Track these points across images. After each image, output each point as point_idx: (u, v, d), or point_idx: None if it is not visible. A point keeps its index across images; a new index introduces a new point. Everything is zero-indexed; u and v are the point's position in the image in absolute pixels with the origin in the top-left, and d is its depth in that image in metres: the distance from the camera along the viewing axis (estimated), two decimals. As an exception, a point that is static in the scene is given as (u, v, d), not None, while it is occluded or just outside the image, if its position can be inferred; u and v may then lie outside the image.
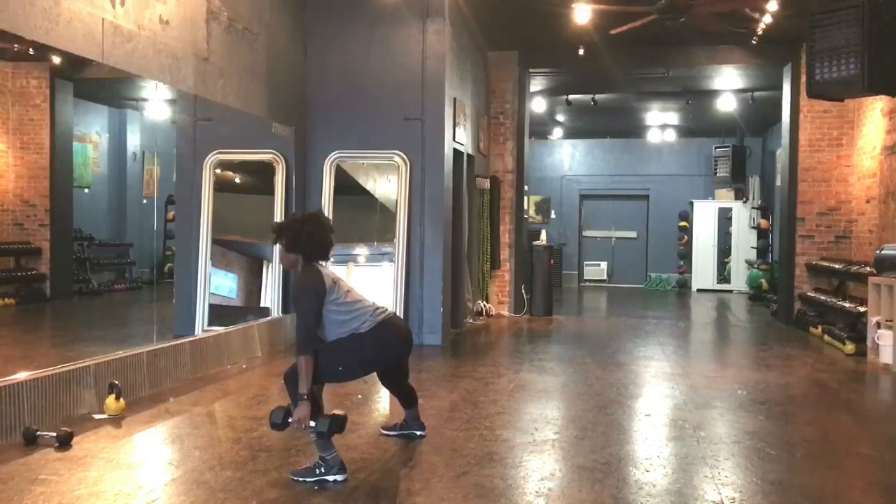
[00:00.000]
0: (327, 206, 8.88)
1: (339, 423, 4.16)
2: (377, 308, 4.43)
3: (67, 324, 10.53)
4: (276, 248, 4.23)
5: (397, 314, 4.45)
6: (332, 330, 4.29)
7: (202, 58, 6.83)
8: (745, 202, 17.27)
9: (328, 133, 8.96)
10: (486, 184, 11.34)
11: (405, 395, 4.92)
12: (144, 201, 13.04)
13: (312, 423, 4.08)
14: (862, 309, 8.74)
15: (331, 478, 4.11)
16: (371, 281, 8.67)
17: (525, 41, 11.43)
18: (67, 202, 11.56)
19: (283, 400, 6.03)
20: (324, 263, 4.37)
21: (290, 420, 4.15)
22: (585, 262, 19.05)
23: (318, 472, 4.13)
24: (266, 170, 8.79)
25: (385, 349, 4.45)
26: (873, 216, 9.68)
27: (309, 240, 4.25)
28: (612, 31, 8.53)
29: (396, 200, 8.84)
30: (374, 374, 4.76)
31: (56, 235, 11.19)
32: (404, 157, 8.82)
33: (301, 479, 4.11)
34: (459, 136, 9.60)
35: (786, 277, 11.44)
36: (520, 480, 4.23)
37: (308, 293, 4.21)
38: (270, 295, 8.64)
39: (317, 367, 4.16)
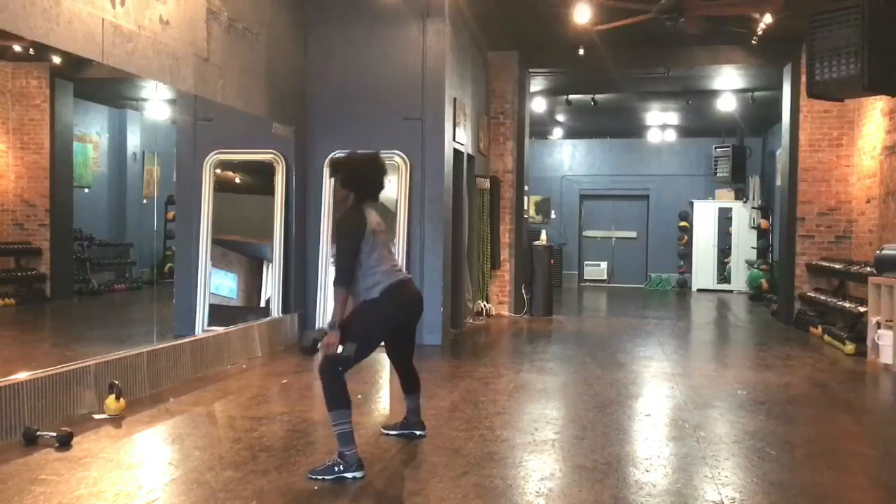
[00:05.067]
0: (327, 206, 8.88)
1: (365, 350, 4.33)
2: (394, 268, 4.47)
3: (67, 324, 10.52)
4: (332, 181, 4.48)
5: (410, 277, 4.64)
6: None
7: (202, 58, 6.83)
8: (745, 202, 17.27)
9: (328, 133, 8.96)
10: (486, 184, 11.34)
11: (409, 377, 4.89)
12: (144, 201, 13.01)
13: (340, 349, 4.15)
14: (862, 309, 8.74)
15: (349, 475, 4.11)
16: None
17: (525, 41, 11.43)
18: (67, 202, 11.54)
19: (282, 400, 6.06)
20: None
21: (318, 346, 4.21)
22: (585, 262, 19.05)
23: (336, 469, 4.12)
24: (266, 170, 8.79)
25: (396, 308, 4.44)
26: (873, 216, 9.68)
27: (363, 179, 4.43)
28: (601, 27, 8.47)
29: (396, 200, 8.84)
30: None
31: (56, 235, 11.17)
32: (404, 157, 8.82)
33: (320, 478, 4.09)
34: (459, 136, 9.60)
35: (786, 277, 11.44)
36: (520, 480, 4.23)
37: (348, 231, 4.31)
38: (271, 295, 8.66)
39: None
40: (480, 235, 11.16)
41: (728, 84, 13.25)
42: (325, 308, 8.80)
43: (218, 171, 8.80)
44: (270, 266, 8.74)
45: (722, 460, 4.60)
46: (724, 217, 17.49)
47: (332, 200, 4.64)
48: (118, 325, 9.90)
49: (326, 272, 8.85)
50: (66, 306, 11.21)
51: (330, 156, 4.57)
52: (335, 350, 4.14)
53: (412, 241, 8.82)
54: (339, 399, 4.19)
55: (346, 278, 4.24)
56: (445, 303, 8.97)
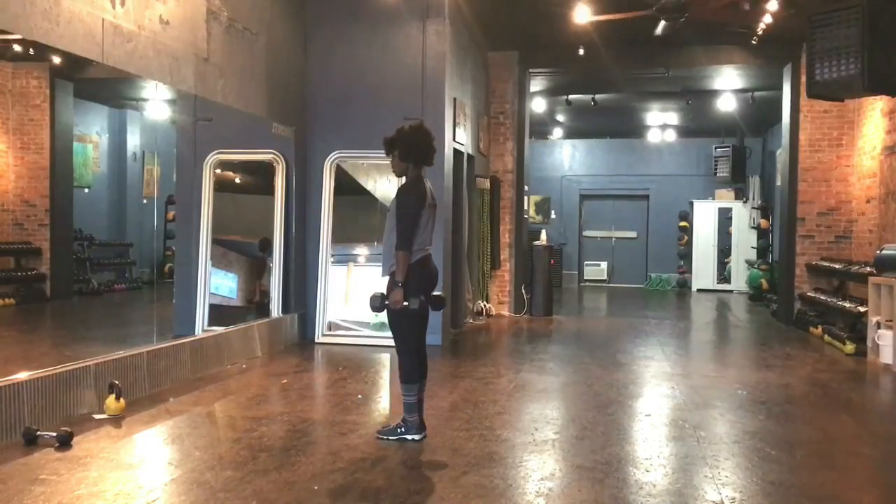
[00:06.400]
0: (327, 206, 8.88)
1: (434, 303, 4.87)
2: (423, 244, 4.89)
3: (67, 324, 10.52)
4: (389, 157, 5.00)
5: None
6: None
7: (202, 58, 6.83)
8: (745, 202, 17.27)
9: (328, 133, 8.96)
10: (486, 184, 11.34)
11: (420, 360, 4.99)
12: (144, 201, 13.03)
13: (406, 303, 4.69)
14: (862, 309, 8.74)
15: (409, 437, 4.80)
16: (371, 281, 8.66)
17: (525, 41, 11.43)
18: (67, 202, 11.55)
19: (282, 400, 6.06)
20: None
21: (386, 303, 4.76)
22: (585, 262, 19.05)
23: (399, 430, 4.82)
24: (266, 170, 8.79)
25: (418, 281, 4.83)
26: (873, 216, 9.68)
27: (419, 148, 4.89)
28: (596, 18, 8.38)
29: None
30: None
31: (56, 235, 11.18)
32: (404, 157, 8.81)
33: (385, 438, 4.81)
34: (459, 136, 9.60)
35: (786, 277, 11.44)
36: (520, 480, 4.23)
37: (414, 198, 4.82)
38: (271, 295, 8.66)
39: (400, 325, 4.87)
40: (480, 235, 11.16)
41: (728, 84, 13.25)
42: (326, 308, 8.81)
43: (218, 171, 8.79)
44: (270, 266, 8.73)
45: (722, 460, 4.60)
46: (724, 217, 17.49)
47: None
48: (118, 325, 9.90)
49: (326, 272, 8.85)
50: (66, 306, 11.22)
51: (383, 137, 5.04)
52: (402, 304, 4.69)
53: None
54: (409, 375, 4.85)
55: (408, 244, 4.75)
56: (445, 303, 8.95)
